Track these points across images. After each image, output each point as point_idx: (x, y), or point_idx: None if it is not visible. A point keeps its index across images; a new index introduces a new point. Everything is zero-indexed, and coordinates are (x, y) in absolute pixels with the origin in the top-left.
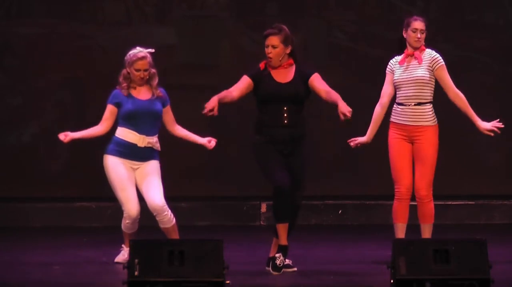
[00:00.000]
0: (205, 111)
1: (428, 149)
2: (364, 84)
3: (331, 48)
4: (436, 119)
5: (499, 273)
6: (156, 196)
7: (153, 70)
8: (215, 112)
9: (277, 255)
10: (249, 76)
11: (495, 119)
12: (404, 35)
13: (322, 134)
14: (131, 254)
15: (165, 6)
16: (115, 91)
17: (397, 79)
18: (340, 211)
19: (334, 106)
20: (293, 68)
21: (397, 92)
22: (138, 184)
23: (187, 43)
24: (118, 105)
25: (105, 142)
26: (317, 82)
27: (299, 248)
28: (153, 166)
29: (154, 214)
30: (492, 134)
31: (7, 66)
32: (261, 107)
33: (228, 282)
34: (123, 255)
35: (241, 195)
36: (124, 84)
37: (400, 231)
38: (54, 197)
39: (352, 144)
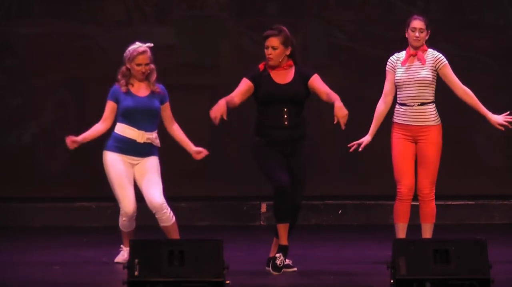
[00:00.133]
0: (215, 119)
1: (432, 148)
2: (364, 84)
3: (331, 48)
4: (439, 118)
5: (499, 273)
6: (155, 194)
7: (152, 66)
8: (225, 117)
9: (277, 255)
10: (249, 78)
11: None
12: (406, 35)
13: (322, 134)
14: (131, 254)
15: (165, 6)
16: (114, 87)
17: (399, 79)
18: (340, 211)
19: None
20: (293, 69)
21: (398, 92)
22: (137, 181)
23: (187, 43)
24: (117, 101)
25: (105, 142)
26: (317, 83)
27: (299, 248)
28: (152, 163)
29: (153, 212)
30: (502, 128)
31: (7, 66)
32: (261, 108)
33: (228, 282)
34: (123, 255)
35: (241, 195)
36: (123, 81)
37: (401, 231)
38: (54, 197)
39: (353, 148)
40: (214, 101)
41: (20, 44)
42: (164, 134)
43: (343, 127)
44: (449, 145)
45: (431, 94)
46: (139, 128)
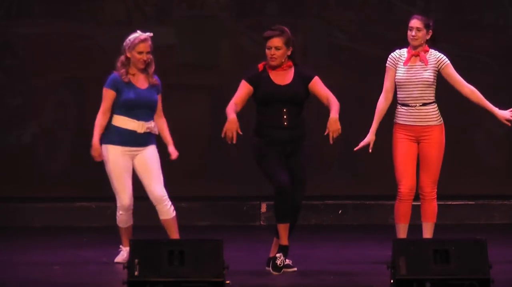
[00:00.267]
0: (232, 139)
1: (435, 148)
2: (364, 84)
3: (331, 48)
4: (441, 118)
5: (499, 273)
6: (157, 185)
7: (151, 56)
8: (239, 132)
9: (277, 255)
10: (248, 81)
11: (493, 121)
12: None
13: (322, 134)
14: (131, 254)
15: (165, 6)
16: (113, 75)
17: (401, 78)
18: (340, 211)
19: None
20: (292, 70)
21: (398, 92)
22: (138, 172)
23: (187, 43)
24: (118, 91)
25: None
26: (318, 87)
27: (299, 248)
28: (152, 153)
29: (154, 204)
30: (509, 124)
31: (7, 66)
32: (260, 109)
33: (228, 282)
34: (123, 255)
35: (241, 195)
36: (123, 70)
37: (402, 232)
38: (54, 197)
39: (358, 148)
40: (214, 101)
41: (20, 44)
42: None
43: (331, 141)
44: (449, 145)
45: (432, 95)
46: (138, 119)
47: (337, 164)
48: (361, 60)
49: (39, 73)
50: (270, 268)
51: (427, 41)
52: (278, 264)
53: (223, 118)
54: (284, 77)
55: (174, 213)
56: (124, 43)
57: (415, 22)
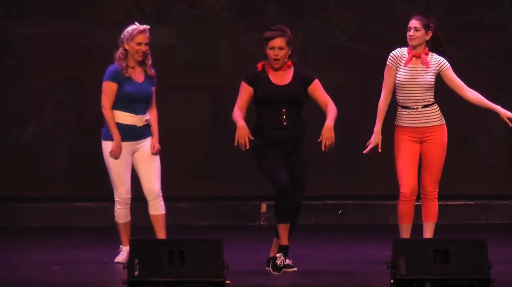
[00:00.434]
0: (244, 145)
1: (438, 148)
2: (364, 84)
3: (331, 48)
4: (443, 118)
5: (499, 273)
6: (155, 181)
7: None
8: (251, 137)
9: (277, 255)
10: (247, 82)
11: (493, 121)
12: None
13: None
14: (131, 254)
15: (165, 6)
16: (114, 67)
17: (402, 79)
18: (340, 211)
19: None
20: (292, 69)
21: (398, 93)
22: (136, 166)
23: (187, 43)
24: (119, 83)
25: (102, 131)
26: (317, 92)
27: (299, 248)
28: (151, 149)
29: (149, 199)
30: (510, 123)
31: (7, 66)
32: (260, 109)
33: (228, 282)
34: (123, 255)
35: (241, 195)
36: (124, 64)
37: (406, 232)
38: (54, 197)
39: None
40: (214, 101)
41: (20, 44)
42: (165, 136)
43: (323, 148)
44: (449, 145)
45: (432, 96)
46: (136, 113)
47: (337, 164)
48: (361, 60)
49: (39, 73)
50: (270, 268)
51: (427, 43)
52: (278, 264)
53: (223, 118)
54: (283, 77)
55: (164, 211)
56: (122, 35)
57: (413, 23)
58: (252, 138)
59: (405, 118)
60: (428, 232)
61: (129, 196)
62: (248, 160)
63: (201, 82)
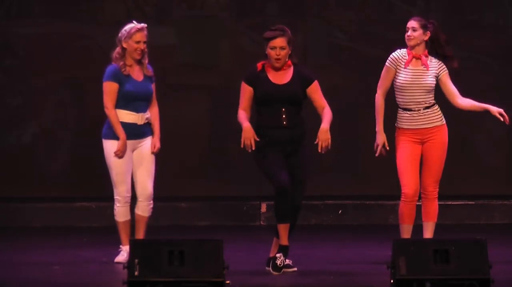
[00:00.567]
0: (250, 146)
1: (440, 148)
2: (364, 84)
3: (331, 48)
4: (443, 118)
5: (499, 273)
6: (149, 183)
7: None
8: (256, 138)
9: (277, 255)
10: (247, 82)
11: (493, 121)
12: None
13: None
14: (131, 254)
15: (165, 6)
16: (113, 67)
17: (403, 81)
18: (340, 211)
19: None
20: (291, 69)
21: (399, 95)
22: (134, 165)
23: (187, 43)
24: (120, 83)
25: (103, 130)
26: (316, 94)
27: (299, 248)
28: (150, 150)
29: (140, 199)
30: (501, 118)
31: (7, 66)
32: (259, 108)
33: (228, 282)
34: (123, 255)
35: (241, 195)
36: (122, 63)
37: (407, 232)
38: (54, 197)
39: (379, 152)
40: (214, 101)
41: (20, 44)
42: (165, 136)
43: (320, 150)
44: (449, 145)
45: (433, 97)
46: (137, 111)
47: (337, 164)
48: (361, 60)
49: (39, 73)
50: (270, 268)
51: (427, 45)
52: (278, 264)
53: (223, 118)
54: (283, 76)
55: (150, 213)
56: (120, 34)
57: (411, 23)
58: (257, 139)
59: (406, 120)
60: (428, 232)
61: (129, 194)
62: (248, 160)
63: (201, 82)
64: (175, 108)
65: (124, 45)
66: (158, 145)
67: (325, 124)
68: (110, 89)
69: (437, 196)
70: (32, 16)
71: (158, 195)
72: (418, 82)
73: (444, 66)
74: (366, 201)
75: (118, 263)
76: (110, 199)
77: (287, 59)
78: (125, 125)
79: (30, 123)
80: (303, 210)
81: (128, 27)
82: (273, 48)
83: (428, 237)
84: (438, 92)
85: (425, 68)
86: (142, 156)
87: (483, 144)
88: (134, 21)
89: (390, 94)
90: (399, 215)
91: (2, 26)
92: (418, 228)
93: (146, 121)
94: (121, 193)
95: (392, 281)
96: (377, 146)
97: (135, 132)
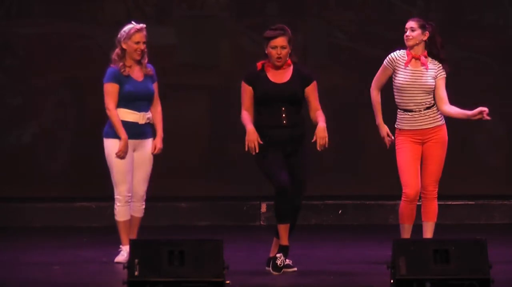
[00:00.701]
0: (254, 148)
1: (440, 147)
2: (364, 84)
3: (331, 48)
4: (443, 117)
5: (499, 273)
6: (144, 186)
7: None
8: (260, 141)
9: (277, 255)
10: (247, 82)
11: (493, 121)
12: None
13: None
14: (131, 254)
15: (165, 6)
16: (112, 69)
17: (402, 81)
18: (340, 211)
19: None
20: (291, 68)
21: (399, 96)
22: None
23: (187, 43)
24: (120, 83)
25: (104, 129)
26: (313, 95)
27: (299, 248)
28: (150, 151)
29: (133, 200)
30: (479, 117)
31: (7, 66)
32: (259, 108)
33: (228, 282)
34: (123, 255)
35: (241, 195)
36: (121, 63)
37: (407, 232)
38: (54, 197)
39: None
40: (214, 101)
41: (20, 44)
42: (165, 134)
43: (318, 148)
44: (449, 145)
45: (432, 98)
46: (139, 110)
47: (337, 164)
48: (361, 60)
49: (39, 73)
50: (270, 268)
51: (426, 46)
52: (278, 264)
53: (223, 118)
54: (282, 75)
55: (143, 214)
56: (119, 35)
57: (409, 23)
58: (261, 142)
59: (407, 122)
60: (428, 232)
61: (130, 194)
62: (248, 160)
63: (201, 82)
64: (175, 108)
65: (124, 46)
66: (159, 145)
67: (322, 123)
68: (111, 90)
69: (436, 195)
70: (32, 16)
71: (158, 195)
72: (417, 83)
73: (444, 71)
74: (366, 201)
75: (118, 263)
76: (110, 199)
77: (287, 58)
78: (126, 124)
79: (30, 123)
80: (303, 210)
81: (127, 28)
82: (274, 47)
83: (428, 237)
84: None
85: (425, 69)
86: (142, 158)
87: (483, 144)
88: (133, 22)
89: (390, 95)
90: (399, 215)
91: (2, 26)
92: (418, 228)
93: (148, 121)
94: (121, 193)
95: (392, 281)
96: (383, 138)
97: (136, 131)
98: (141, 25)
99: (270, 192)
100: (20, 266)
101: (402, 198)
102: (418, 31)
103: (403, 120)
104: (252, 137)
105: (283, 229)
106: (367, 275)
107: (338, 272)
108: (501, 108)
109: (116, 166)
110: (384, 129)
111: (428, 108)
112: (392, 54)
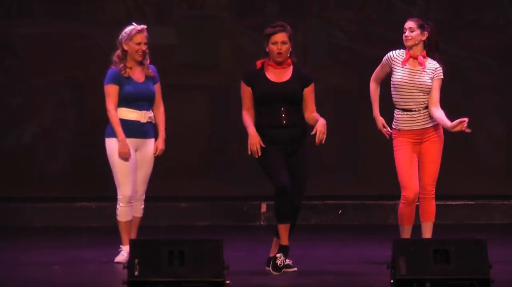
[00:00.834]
0: (257, 151)
1: (437, 147)
2: (364, 84)
3: (331, 48)
4: None
5: (499, 273)
6: (142, 186)
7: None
8: (262, 144)
9: (278, 255)
10: (246, 82)
11: (493, 121)
12: None
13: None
14: (131, 254)
15: (165, 6)
16: (113, 70)
17: (399, 80)
18: (340, 211)
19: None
20: (291, 68)
21: (398, 95)
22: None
23: (187, 43)
24: (120, 85)
25: (106, 129)
26: (310, 95)
27: (299, 248)
28: (151, 151)
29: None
30: (459, 129)
31: (7, 66)
32: (259, 108)
33: (228, 282)
34: (123, 255)
35: (241, 195)
36: (122, 65)
37: (406, 233)
38: (54, 197)
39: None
40: (214, 101)
41: (20, 44)
42: (166, 135)
43: (317, 141)
44: (449, 145)
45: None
46: (140, 109)
47: (337, 164)
48: (361, 60)
49: (39, 73)
50: (270, 268)
51: (424, 46)
52: (278, 264)
53: (223, 118)
54: (282, 75)
55: (142, 214)
56: (120, 37)
57: (408, 23)
58: (263, 145)
59: (406, 122)
60: (427, 232)
61: (133, 195)
62: (248, 160)
63: (201, 82)
64: (175, 108)
65: (125, 47)
66: (161, 147)
67: (323, 120)
68: (111, 91)
69: (434, 195)
70: (32, 16)
71: (158, 195)
72: (415, 82)
73: (441, 72)
74: (366, 201)
75: (118, 263)
76: (110, 199)
77: (288, 55)
78: (127, 123)
79: (30, 123)
80: (303, 210)
81: (128, 29)
82: (275, 43)
83: (427, 237)
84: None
85: (422, 69)
86: (144, 158)
87: (483, 144)
88: (134, 23)
89: (388, 95)
90: (399, 217)
91: (2, 26)
92: (416, 228)
93: (149, 119)
94: (124, 193)
95: (392, 281)
96: (381, 129)
97: (138, 130)
98: (142, 26)
99: (270, 192)
100: (20, 266)
101: (401, 201)
102: (417, 32)
103: (401, 120)
104: (254, 141)
105: (283, 229)
106: (367, 275)
107: (338, 272)
108: (501, 108)
109: (119, 166)
110: (380, 121)
111: (426, 107)
112: (391, 52)
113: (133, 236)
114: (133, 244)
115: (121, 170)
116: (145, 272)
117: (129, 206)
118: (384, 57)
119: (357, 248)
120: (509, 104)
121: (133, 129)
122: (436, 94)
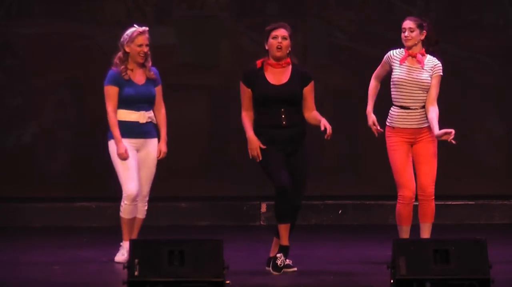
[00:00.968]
0: (257, 156)
1: (434, 146)
2: (364, 84)
3: (331, 48)
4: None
5: (499, 273)
6: (146, 186)
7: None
8: (262, 146)
9: (278, 255)
10: (245, 83)
11: (493, 121)
12: None
13: (322, 134)
14: (131, 254)
15: (165, 6)
16: (113, 72)
17: (398, 77)
18: (340, 211)
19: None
20: (290, 68)
21: (396, 93)
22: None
23: (187, 43)
24: (119, 86)
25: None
26: (310, 94)
27: (299, 248)
28: (154, 152)
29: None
30: (445, 138)
31: (7, 66)
32: (259, 108)
33: (228, 282)
34: (123, 254)
35: (241, 195)
36: (123, 67)
37: (405, 233)
38: (54, 197)
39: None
40: (214, 101)
41: (20, 44)
42: (166, 135)
43: (328, 137)
44: (449, 145)
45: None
46: (139, 110)
47: (337, 164)
48: (361, 60)
49: (39, 73)
50: (270, 268)
51: (423, 44)
52: (278, 264)
53: (223, 118)
54: (281, 76)
55: (145, 215)
56: (122, 39)
57: (407, 23)
58: (264, 147)
59: (402, 119)
60: (426, 233)
61: (138, 193)
62: (248, 160)
63: (201, 82)
64: (175, 108)
65: (127, 49)
66: (164, 150)
67: (322, 118)
68: (111, 93)
69: (433, 196)
70: (32, 16)
71: (158, 195)
72: (414, 79)
73: (440, 69)
74: (366, 201)
75: (118, 263)
76: (110, 199)
77: (287, 52)
78: (127, 124)
79: (30, 123)
80: (303, 210)
81: (129, 31)
82: (275, 37)
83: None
84: (440, 92)
85: (421, 66)
86: (146, 158)
87: (483, 144)
88: (135, 25)
89: (387, 95)
90: (397, 217)
91: (2, 26)
92: (415, 228)
93: (149, 119)
94: (129, 190)
95: (392, 281)
96: (371, 126)
97: (138, 130)
98: (144, 28)
99: (270, 192)
100: (20, 266)
101: (399, 200)
102: (416, 31)
103: (397, 117)
104: (254, 145)
105: (283, 229)
106: (367, 275)
107: (338, 272)
108: (501, 108)
109: (122, 164)
110: (371, 118)
111: (423, 107)
112: (391, 51)
113: (135, 236)
114: (133, 244)
115: (124, 168)
116: (145, 272)
117: (133, 204)
118: (385, 57)
119: (357, 248)
120: (509, 104)
121: (133, 130)
122: (434, 92)
